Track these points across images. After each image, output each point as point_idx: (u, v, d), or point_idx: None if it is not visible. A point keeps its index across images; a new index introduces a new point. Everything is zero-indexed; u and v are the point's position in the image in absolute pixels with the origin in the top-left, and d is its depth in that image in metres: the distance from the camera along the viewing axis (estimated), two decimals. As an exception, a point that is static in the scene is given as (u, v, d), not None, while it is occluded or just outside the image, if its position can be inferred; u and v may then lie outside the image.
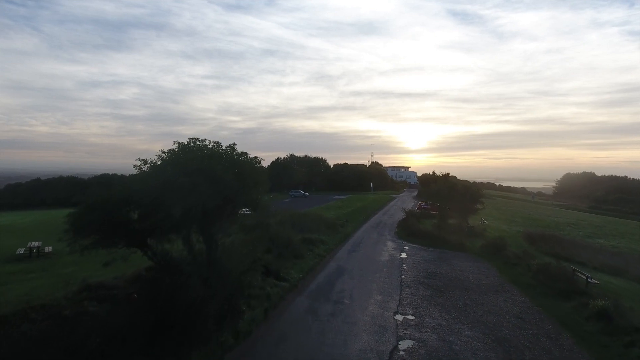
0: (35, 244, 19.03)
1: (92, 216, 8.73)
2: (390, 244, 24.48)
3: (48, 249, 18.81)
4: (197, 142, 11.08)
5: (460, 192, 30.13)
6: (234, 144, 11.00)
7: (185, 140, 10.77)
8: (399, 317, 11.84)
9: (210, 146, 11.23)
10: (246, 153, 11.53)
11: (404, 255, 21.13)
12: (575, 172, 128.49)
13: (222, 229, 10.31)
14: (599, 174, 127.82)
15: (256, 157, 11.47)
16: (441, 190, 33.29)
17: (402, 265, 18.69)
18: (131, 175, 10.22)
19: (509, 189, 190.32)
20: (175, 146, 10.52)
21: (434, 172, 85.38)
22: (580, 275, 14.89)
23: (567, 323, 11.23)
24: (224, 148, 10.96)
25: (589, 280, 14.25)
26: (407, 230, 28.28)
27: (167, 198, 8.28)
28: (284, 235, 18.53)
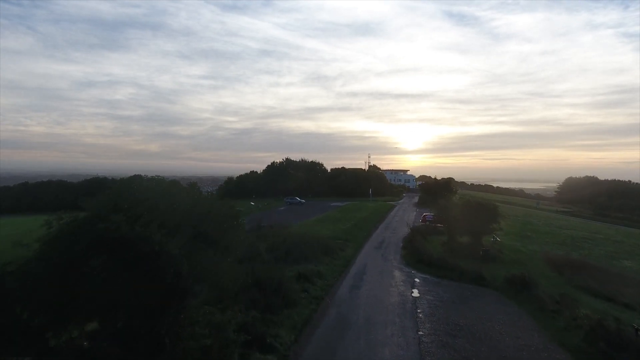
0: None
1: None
2: (397, 275, 21.26)
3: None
4: (145, 182, 7.73)
5: (473, 209, 26.98)
6: (196, 185, 7.66)
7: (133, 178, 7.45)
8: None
9: (163, 185, 7.90)
10: (221, 200, 8.15)
11: (415, 294, 17.89)
12: (577, 176, 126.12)
13: (172, 326, 6.90)
14: (600, 177, 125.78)
15: (231, 204, 8.09)
16: (452, 207, 30.25)
17: (417, 312, 15.45)
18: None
19: (507, 191, 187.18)
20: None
21: (435, 179, 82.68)
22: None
23: None
24: (178, 190, 7.60)
25: (663, 348, 11.10)
26: (415, 255, 25.04)
27: (68, 294, 5.07)
28: (274, 276, 15.21)
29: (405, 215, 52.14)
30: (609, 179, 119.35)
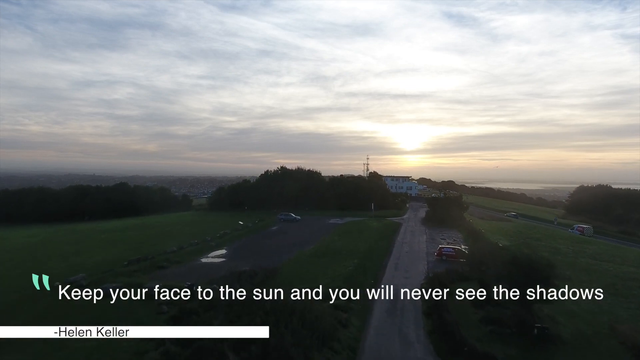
0: None
1: None
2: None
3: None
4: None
5: (522, 269, 20.15)
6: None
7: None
8: None
9: None
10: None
11: None
12: (589, 184, 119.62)
13: None
14: (598, 179, 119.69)
15: None
16: (487, 255, 23.54)
17: None
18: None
19: (508, 195, 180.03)
20: None
21: (445, 194, 75.68)
22: None
23: None
24: None
25: None
26: (445, 336, 18.22)
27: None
28: None
29: (415, 242, 45.28)
30: (623, 188, 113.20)
